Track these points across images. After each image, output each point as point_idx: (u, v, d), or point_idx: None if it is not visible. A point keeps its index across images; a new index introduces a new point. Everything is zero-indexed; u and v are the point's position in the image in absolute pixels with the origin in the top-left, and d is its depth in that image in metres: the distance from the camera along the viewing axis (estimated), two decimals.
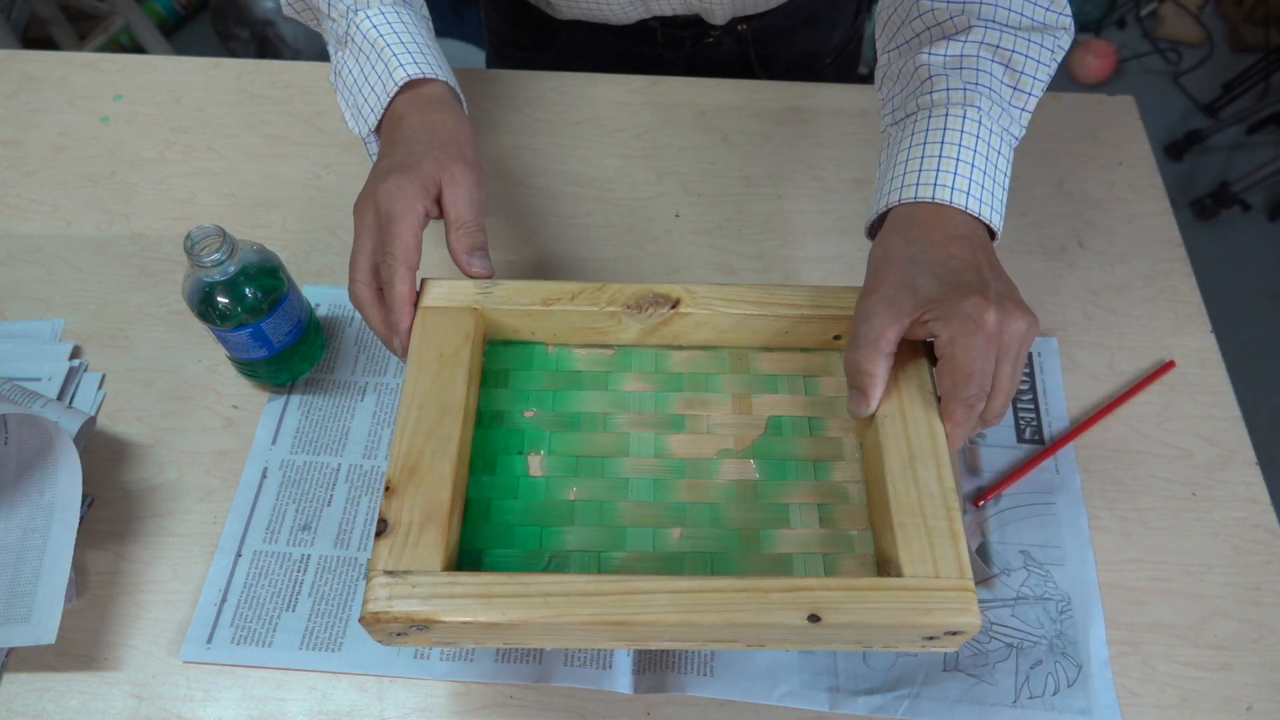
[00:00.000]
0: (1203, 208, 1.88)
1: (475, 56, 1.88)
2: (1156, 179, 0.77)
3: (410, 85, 0.58)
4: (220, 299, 0.57)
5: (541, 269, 0.71)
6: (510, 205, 0.75)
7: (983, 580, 0.58)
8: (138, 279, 0.71)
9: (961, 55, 0.54)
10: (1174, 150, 1.99)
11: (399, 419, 0.49)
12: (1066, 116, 0.81)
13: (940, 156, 0.52)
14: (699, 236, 0.74)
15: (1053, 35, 0.56)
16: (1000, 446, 0.63)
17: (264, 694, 0.54)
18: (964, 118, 0.53)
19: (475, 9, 1.92)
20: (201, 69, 0.84)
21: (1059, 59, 0.56)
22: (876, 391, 0.48)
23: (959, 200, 0.51)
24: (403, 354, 0.52)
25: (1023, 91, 0.55)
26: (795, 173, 0.77)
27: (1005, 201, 0.53)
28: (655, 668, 0.54)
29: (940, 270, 0.48)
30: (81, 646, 0.55)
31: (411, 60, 0.58)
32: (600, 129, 0.80)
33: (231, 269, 0.56)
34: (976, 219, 0.51)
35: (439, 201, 0.55)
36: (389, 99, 0.57)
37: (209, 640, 0.55)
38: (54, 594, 0.54)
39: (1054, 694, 0.54)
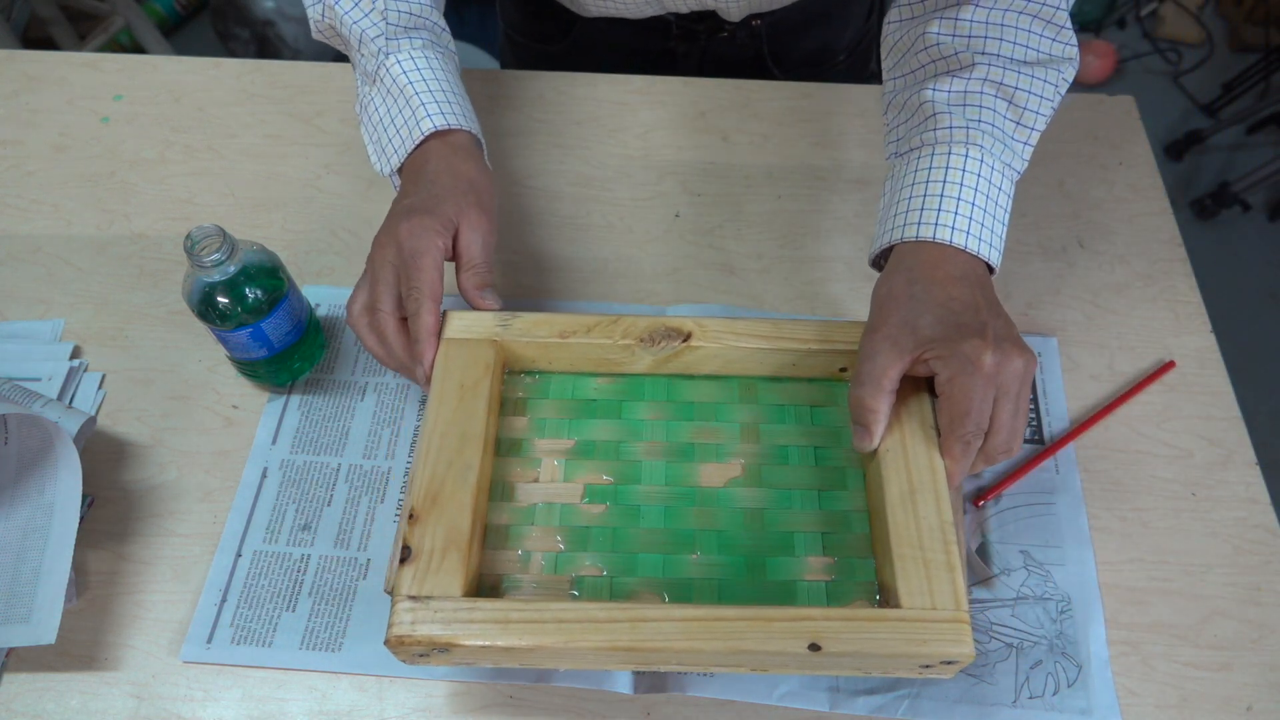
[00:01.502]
0: (1203, 208, 1.88)
1: (474, 56, 1.89)
2: (1156, 179, 0.77)
3: (435, 134, 0.59)
4: (220, 299, 0.57)
5: (542, 269, 0.71)
6: (510, 205, 0.75)
7: (983, 580, 0.58)
8: (138, 279, 0.71)
9: (965, 92, 0.55)
10: (1174, 150, 1.99)
11: (420, 448, 0.50)
12: (1066, 116, 0.81)
13: (942, 195, 0.53)
14: (699, 236, 0.74)
15: (1056, 69, 0.56)
16: None
17: (264, 694, 0.54)
18: (966, 156, 0.54)
19: (475, 8, 1.92)
20: (201, 69, 0.84)
21: (1063, 92, 0.57)
22: (879, 428, 0.50)
23: (959, 240, 0.52)
24: (425, 383, 0.54)
25: (1025, 126, 0.56)
26: (795, 173, 0.77)
27: (1005, 236, 0.55)
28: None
29: (941, 311, 0.50)
30: (81, 646, 0.55)
31: (439, 110, 0.59)
32: (600, 129, 0.80)
33: (231, 269, 0.56)
34: (976, 257, 0.53)
35: (454, 241, 0.57)
36: (414, 145, 0.59)
37: (209, 640, 0.55)
38: (54, 594, 0.54)
39: (1054, 694, 0.54)
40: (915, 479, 0.49)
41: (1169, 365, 0.66)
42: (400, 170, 0.61)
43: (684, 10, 0.80)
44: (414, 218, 0.56)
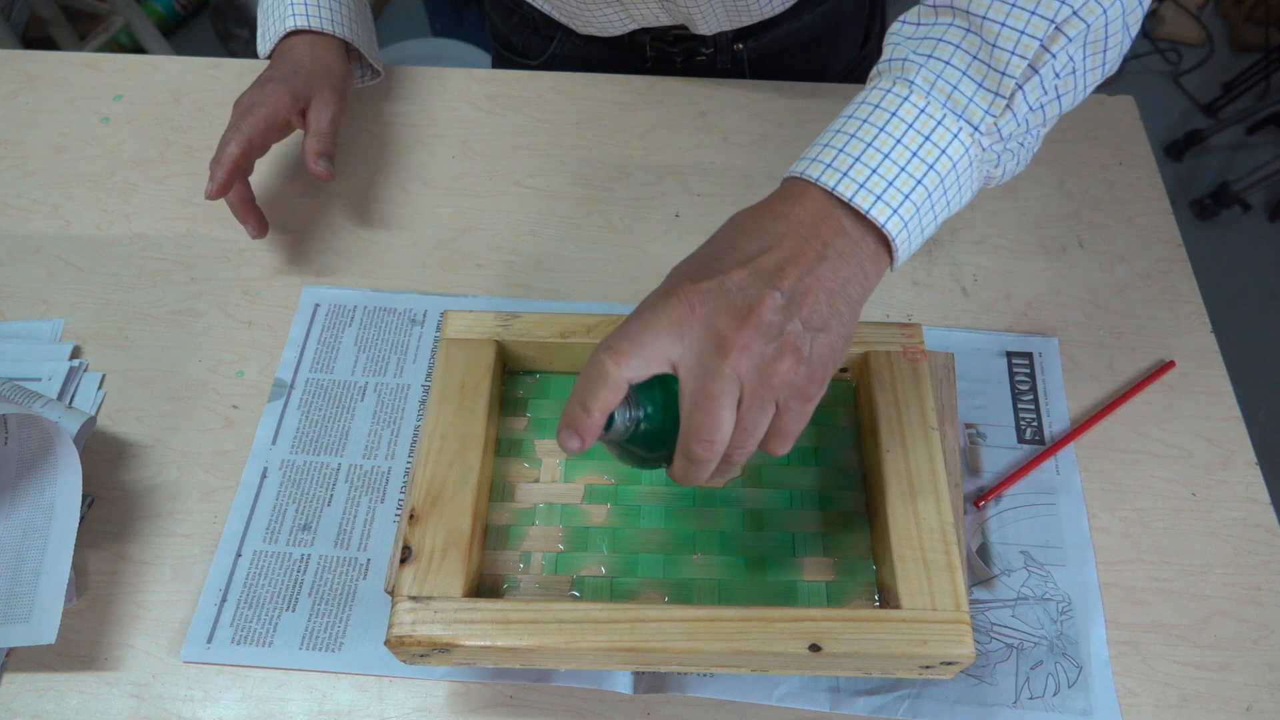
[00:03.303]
0: (1203, 208, 1.88)
1: (475, 56, 1.88)
2: (1156, 179, 0.77)
3: (299, 31, 0.69)
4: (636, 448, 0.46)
5: (541, 269, 0.71)
6: (510, 205, 0.75)
7: (983, 581, 0.58)
8: (138, 279, 0.71)
9: (935, 23, 0.43)
10: (1174, 150, 1.99)
11: (420, 448, 0.50)
12: (1067, 116, 0.80)
13: (827, 130, 0.43)
14: (699, 236, 0.73)
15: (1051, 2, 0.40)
16: (1001, 447, 0.63)
17: (264, 694, 0.54)
18: (887, 91, 0.42)
19: (476, 9, 1.92)
20: (201, 69, 0.84)
21: (1064, 28, 0.40)
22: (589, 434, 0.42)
23: (811, 171, 0.42)
24: (211, 193, 0.63)
25: (996, 70, 0.41)
26: None
27: (917, 198, 0.41)
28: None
29: (687, 265, 0.42)
30: (81, 646, 0.55)
31: (304, 11, 0.69)
32: (600, 129, 0.80)
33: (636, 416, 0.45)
34: (830, 194, 0.41)
35: (305, 115, 0.67)
36: (279, 38, 0.70)
37: (209, 640, 0.55)
38: (54, 594, 0.54)
39: (1054, 694, 0.54)
40: (915, 480, 0.49)
41: (1169, 365, 0.66)
42: (270, 55, 0.71)
43: (652, 23, 0.79)
44: (268, 85, 0.66)
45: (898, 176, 0.41)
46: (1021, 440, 0.63)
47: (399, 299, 0.69)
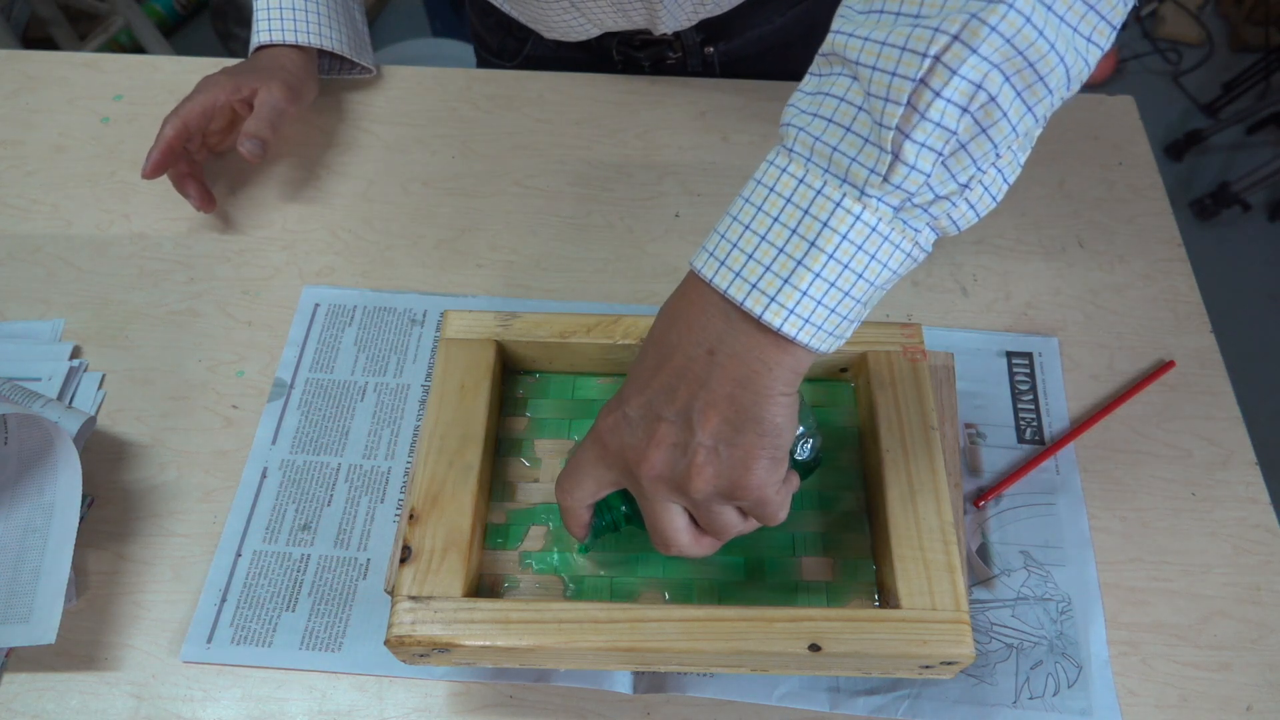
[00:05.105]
0: (1203, 208, 1.88)
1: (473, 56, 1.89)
2: (1156, 179, 0.77)
3: (269, 45, 0.74)
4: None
5: (541, 268, 0.71)
6: (510, 205, 0.75)
7: (983, 580, 0.58)
8: (138, 279, 0.71)
9: (824, 74, 0.39)
10: (1174, 150, 1.99)
11: (420, 448, 0.51)
12: (1066, 116, 0.81)
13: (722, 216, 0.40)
14: (699, 236, 0.74)
15: (924, 27, 0.34)
16: (1000, 447, 0.63)
17: (264, 694, 0.54)
18: (770, 162, 0.39)
19: None
20: (201, 69, 0.84)
21: (956, 66, 0.33)
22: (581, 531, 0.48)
23: (702, 267, 0.39)
24: (145, 172, 0.69)
25: (876, 121, 0.35)
26: None
27: (794, 280, 0.37)
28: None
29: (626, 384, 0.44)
30: (81, 646, 0.55)
31: (268, 28, 0.74)
32: (599, 129, 0.80)
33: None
34: (719, 293, 0.39)
35: (251, 104, 0.71)
36: (254, 48, 0.75)
37: (209, 640, 0.55)
38: (54, 594, 0.54)
39: (1054, 694, 0.54)
40: (915, 479, 0.49)
41: (1169, 365, 0.66)
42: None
43: (611, 27, 0.79)
44: (220, 74, 0.71)
45: (775, 259, 0.37)
46: (1021, 440, 0.63)
47: (399, 299, 0.69)
